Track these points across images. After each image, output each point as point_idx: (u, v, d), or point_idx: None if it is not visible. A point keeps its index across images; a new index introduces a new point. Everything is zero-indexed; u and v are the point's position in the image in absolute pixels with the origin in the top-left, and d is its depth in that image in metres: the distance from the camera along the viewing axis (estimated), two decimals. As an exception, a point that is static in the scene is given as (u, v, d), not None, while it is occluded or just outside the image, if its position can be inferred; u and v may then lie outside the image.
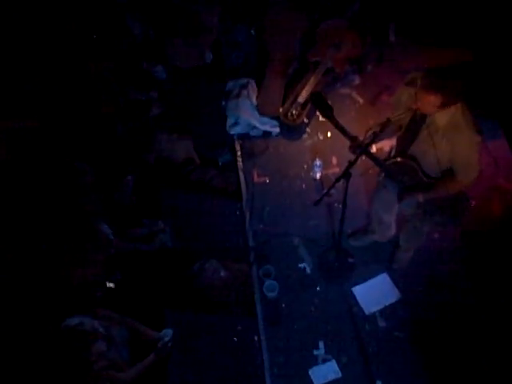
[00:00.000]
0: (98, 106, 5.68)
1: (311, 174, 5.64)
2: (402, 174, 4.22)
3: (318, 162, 5.54)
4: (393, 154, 4.31)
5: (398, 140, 4.29)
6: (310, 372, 4.65)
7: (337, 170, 5.59)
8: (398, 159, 4.20)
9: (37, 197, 4.90)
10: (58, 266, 4.49)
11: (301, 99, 5.70)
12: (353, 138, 4.05)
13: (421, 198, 4.21)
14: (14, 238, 4.73)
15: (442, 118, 3.89)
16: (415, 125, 4.05)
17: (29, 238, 4.70)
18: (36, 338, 4.27)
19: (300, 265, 5.20)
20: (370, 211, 5.00)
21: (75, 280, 4.42)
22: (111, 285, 4.70)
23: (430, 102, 3.76)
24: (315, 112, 5.81)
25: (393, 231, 5.04)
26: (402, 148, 4.21)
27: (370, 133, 4.17)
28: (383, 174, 4.43)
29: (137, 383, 4.19)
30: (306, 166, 5.73)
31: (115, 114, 5.79)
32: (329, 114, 4.08)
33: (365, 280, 5.05)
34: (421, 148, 4.07)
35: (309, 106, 5.67)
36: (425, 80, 3.77)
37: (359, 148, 4.02)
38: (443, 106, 3.76)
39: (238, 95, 5.94)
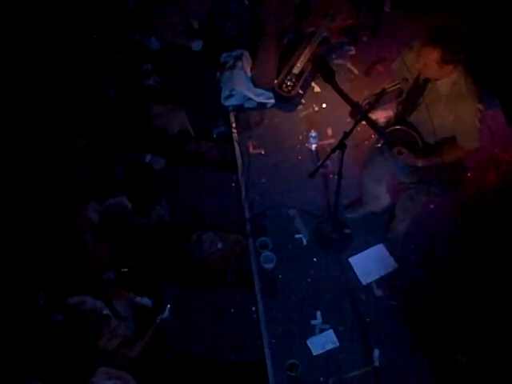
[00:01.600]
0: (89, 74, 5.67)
1: (307, 145, 5.64)
2: (401, 141, 4.19)
3: (313, 133, 5.53)
4: (392, 122, 4.29)
5: (397, 108, 4.26)
6: (308, 342, 4.69)
7: (332, 141, 5.58)
8: (398, 127, 4.17)
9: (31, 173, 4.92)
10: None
11: (296, 70, 5.66)
12: (353, 104, 4.04)
13: (420, 162, 4.13)
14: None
15: (444, 85, 3.85)
16: (416, 92, 4.01)
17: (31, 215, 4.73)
18: (46, 321, 4.30)
19: (296, 236, 5.21)
20: (360, 182, 5.01)
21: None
22: (125, 269, 4.74)
23: (429, 57, 3.70)
24: (310, 83, 5.80)
25: (386, 201, 5.04)
26: (401, 116, 4.17)
27: (365, 103, 4.17)
28: (381, 142, 4.41)
29: (141, 357, 4.25)
30: (301, 137, 5.71)
31: (108, 79, 5.77)
32: (330, 77, 4.05)
33: (361, 250, 5.07)
34: (420, 116, 4.03)
35: (304, 76, 5.65)
36: (426, 36, 3.72)
37: (359, 114, 4.01)
38: (443, 61, 3.68)
39: (233, 67, 5.90)
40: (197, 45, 6.05)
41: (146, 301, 4.61)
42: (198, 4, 6.21)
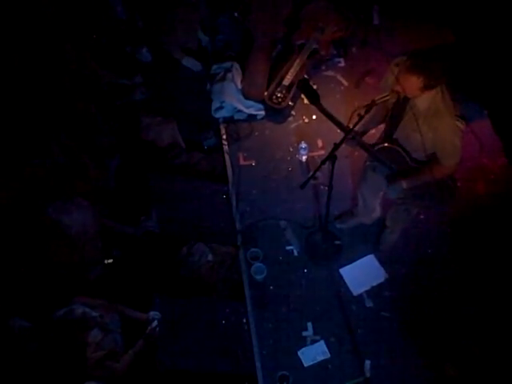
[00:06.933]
0: (78, 92, 5.63)
1: (297, 156, 5.65)
2: (390, 158, 4.23)
3: (303, 145, 5.54)
4: (380, 138, 4.32)
5: (385, 124, 4.30)
6: (299, 353, 4.68)
7: (322, 152, 5.60)
8: (385, 144, 4.21)
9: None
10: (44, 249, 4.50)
11: (286, 82, 5.69)
12: (339, 124, 4.08)
13: (404, 184, 4.21)
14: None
15: (422, 102, 3.90)
16: (399, 108, 4.06)
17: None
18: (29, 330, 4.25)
19: (287, 247, 5.20)
20: (356, 194, 5.02)
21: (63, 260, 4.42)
22: (110, 261, 4.71)
23: (412, 83, 3.77)
24: (300, 95, 5.81)
25: (378, 213, 5.05)
26: (388, 132, 4.22)
27: (355, 115, 4.19)
28: (370, 159, 4.44)
29: (129, 369, 4.22)
30: (291, 149, 5.73)
31: (96, 98, 5.75)
32: (316, 100, 4.08)
33: (352, 261, 5.07)
34: (405, 132, 4.08)
35: (294, 88, 5.66)
36: (408, 61, 3.78)
37: (349, 134, 4.05)
38: (425, 88, 3.76)
39: (223, 79, 5.91)
40: (186, 61, 6.07)
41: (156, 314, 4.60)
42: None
